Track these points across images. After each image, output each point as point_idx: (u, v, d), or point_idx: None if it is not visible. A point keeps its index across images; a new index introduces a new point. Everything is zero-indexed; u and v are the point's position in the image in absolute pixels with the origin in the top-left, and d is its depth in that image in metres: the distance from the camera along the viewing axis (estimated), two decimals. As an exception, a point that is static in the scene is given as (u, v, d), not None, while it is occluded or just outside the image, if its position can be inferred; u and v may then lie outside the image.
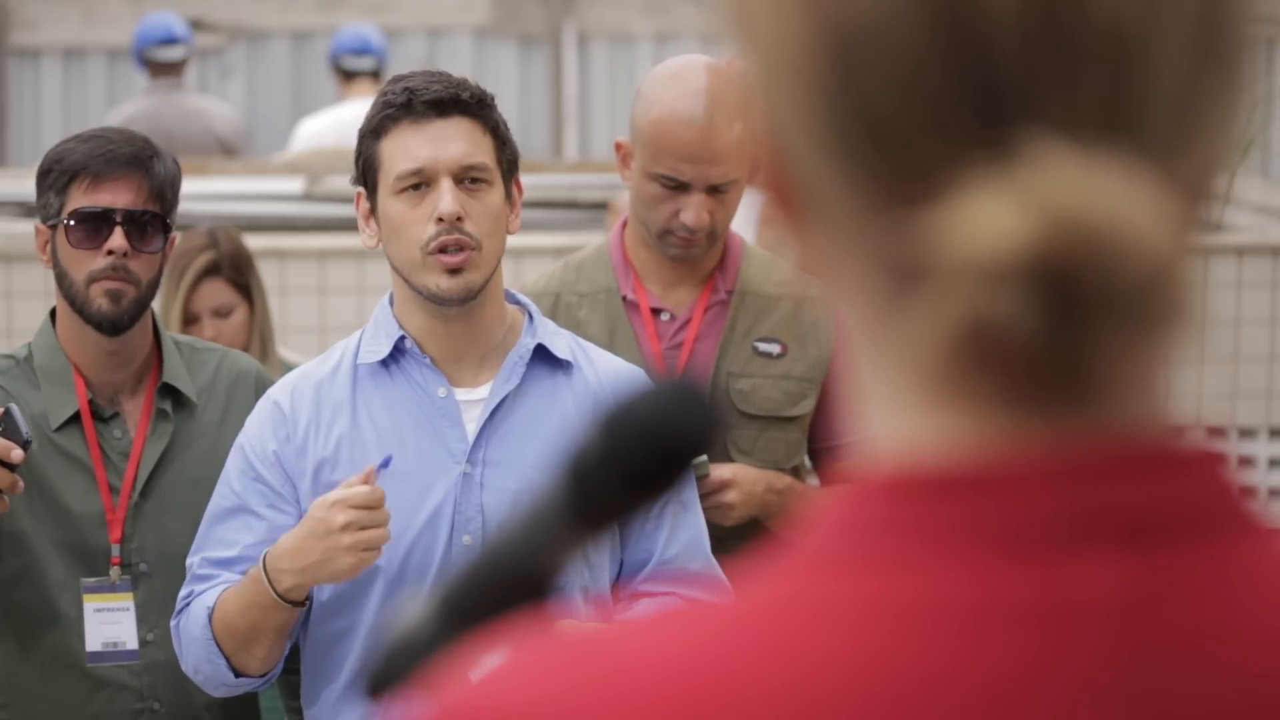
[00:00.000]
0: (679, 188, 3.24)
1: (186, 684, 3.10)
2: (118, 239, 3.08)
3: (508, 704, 0.77)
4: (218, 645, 2.89)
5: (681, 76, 3.26)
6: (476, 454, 2.90)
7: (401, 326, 2.95)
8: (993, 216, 0.72)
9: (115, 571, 3.13)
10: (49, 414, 3.13)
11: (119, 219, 3.09)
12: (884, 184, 0.76)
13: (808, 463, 3.45)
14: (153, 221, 3.12)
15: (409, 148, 2.87)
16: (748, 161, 0.76)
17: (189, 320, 4.33)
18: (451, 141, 2.87)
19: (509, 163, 2.94)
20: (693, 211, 3.23)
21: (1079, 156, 0.73)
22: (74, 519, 3.12)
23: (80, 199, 3.10)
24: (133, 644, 3.13)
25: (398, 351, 2.94)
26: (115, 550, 3.13)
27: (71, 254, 3.10)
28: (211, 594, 2.91)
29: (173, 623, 2.98)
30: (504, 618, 1.06)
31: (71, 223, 3.09)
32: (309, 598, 2.89)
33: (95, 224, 3.09)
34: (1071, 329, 0.72)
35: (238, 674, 2.91)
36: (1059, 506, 0.74)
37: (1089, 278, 0.71)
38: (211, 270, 4.35)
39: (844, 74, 0.76)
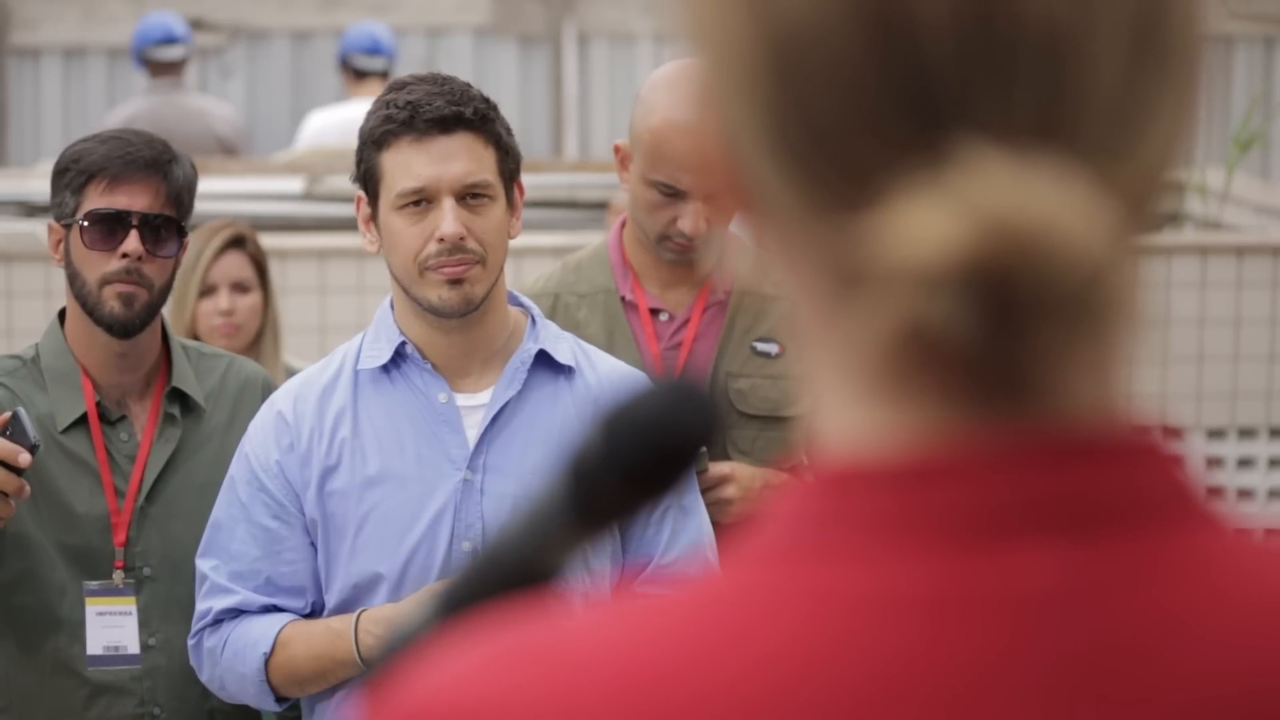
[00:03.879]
0: (677, 195, 3.24)
1: (187, 689, 3.10)
2: (133, 242, 3.06)
3: (458, 702, 0.77)
4: (270, 684, 2.91)
5: (680, 83, 3.24)
6: (477, 460, 2.89)
7: (402, 332, 2.94)
8: (927, 223, 0.72)
9: (119, 575, 3.11)
10: (55, 415, 3.12)
11: (135, 222, 3.07)
12: (826, 188, 0.76)
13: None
14: (168, 225, 3.10)
15: (411, 165, 2.85)
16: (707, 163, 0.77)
17: (205, 292, 4.31)
18: (454, 160, 2.85)
19: (511, 171, 2.93)
20: (690, 220, 3.23)
21: (1013, 161, 0.73)
22: (78, 521, 3.10)
23: (97, 200, 3.08)
24: (134, 648, 3.11)
25: (398, 356, 2.93)
26: (119, 554, 3.11)
27: (85, 255, 3.08)
28: (261, 630, 2.91)
29: (191, 641, 2.98)
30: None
31: (87, 223, 3.07)
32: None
33: (111, 225, 3.07)
34: (1008, 332, 0.73)
35: (278, 699, 2.95)
36: (1001, 496, 0.75)
37: (1023, 282, 0.72)
38: (236, 243, 4.35)
39: (785, 78, 0.77)
